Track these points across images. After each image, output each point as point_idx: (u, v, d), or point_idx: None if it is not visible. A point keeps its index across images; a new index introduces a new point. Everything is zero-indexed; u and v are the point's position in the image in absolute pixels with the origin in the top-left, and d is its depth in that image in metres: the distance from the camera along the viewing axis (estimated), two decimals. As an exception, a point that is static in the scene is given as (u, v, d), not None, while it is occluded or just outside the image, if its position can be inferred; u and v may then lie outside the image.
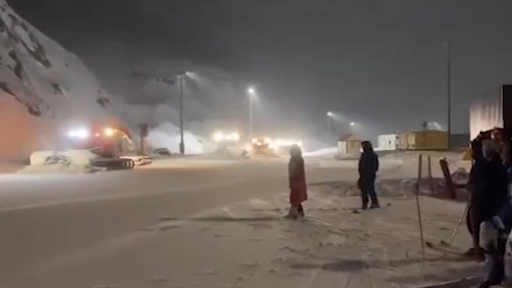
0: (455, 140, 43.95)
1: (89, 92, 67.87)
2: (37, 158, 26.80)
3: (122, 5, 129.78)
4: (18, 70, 43.43)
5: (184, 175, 25.00)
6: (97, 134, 30.59)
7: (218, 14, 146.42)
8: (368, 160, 11.40)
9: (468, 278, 4.96)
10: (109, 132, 32.05)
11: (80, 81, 66.64)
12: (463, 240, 6.42)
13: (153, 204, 12.54)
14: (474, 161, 6.59)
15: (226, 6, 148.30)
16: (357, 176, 11.58)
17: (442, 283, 4.88)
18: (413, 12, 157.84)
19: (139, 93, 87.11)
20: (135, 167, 30.69)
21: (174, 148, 54.96)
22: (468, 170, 7.69)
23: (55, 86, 51.01)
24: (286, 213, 9.97)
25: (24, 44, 57.53)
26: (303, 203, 9.98)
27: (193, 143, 64.01)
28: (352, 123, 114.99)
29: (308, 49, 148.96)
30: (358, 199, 11.47)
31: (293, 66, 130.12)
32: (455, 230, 6.87)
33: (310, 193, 13.26)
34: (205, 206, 11.13)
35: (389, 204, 11.43)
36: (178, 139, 59.21)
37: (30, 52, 58.21)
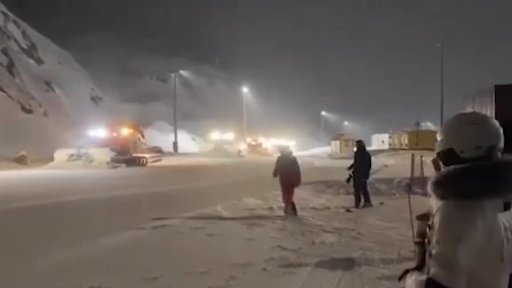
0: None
1: (82, 90, 67.46)
2: (60, 155, 28.84)
3: (115, 3, 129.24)
4: (10, 67, 43.03)
5: (189, 172, 26.34)
6: (115, 134, 33.06)
7: (212, 13, 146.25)
8: (361, 159, 11.44)
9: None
10: (125, 131, 34.15)
11: (73, 79, 66.18)
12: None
13: (161, 200, 12.49)
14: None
15: (219, 5, 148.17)
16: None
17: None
18: (408, 12, 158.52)
19: (132, 91, 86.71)
20: (148, 164, 32.59)
21: (167, 147, 54.79)
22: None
23: (48, 84, 50.59)
24: (280, 212, 10.00)
25: (16, 41, 57.03)
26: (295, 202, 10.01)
27: (187, 142, 63.78)
28: (345, 123, 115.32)
29: (302, 49, 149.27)
30: (351, 198, 11.51)
31: (287, 65, 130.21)
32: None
33: (303, 192, 13.33)
34: (200, 205, 11.12)
35: (381, 203, 11.47)
36: (171, 138, 59.04)
37: (23, 49, 57.74)
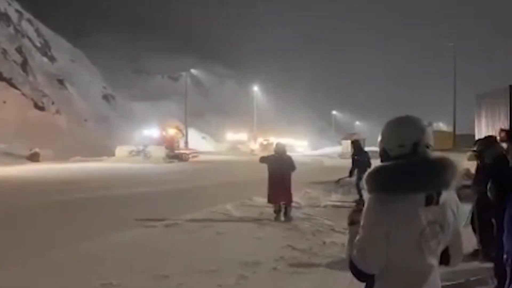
0: (460, 140, 43.68)
1: (94, 88, 67.82)
2: (121, 151, 34.03)
3: (127, 2, 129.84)
4: (24, 65, 43.39)
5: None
6: (164, 133, 38.25)
7: (222, 11, 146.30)
8: (360, 160, 11.59)
9: (472, 279, 4.93)
10: (172, 131, 39.48)
11: (85, 77, 66.61)
12: (467, 240, 6.37)
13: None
14: (479, 162, 6.53)
15: (230, 2, 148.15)
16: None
17: (446, 283, 4.85)
18: (419, 12, 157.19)
19: (143, 89, 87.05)
20: (189, 160, 37.14)
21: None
22: (473, 171, 7.64)
23: (60, 81, 50.91)
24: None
25: (30, 39, 57.57)
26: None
27: (197, 140, 63.90)
28: (357, 122, 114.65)
29: (313, 47, 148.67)
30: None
31: (297, 63, 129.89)
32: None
33: (313, 191, 13.29)
34: (219, 201, 11.13)
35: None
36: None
37: (36, 47, 58.26)
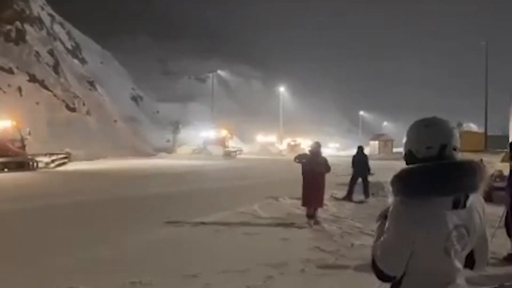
0: (493, 141, 42.60)
1: (122, 89, 69.06)
2: (183, 149, 44.26)
3: (154, 3, 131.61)
4: (56, 67, 44.50)
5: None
6: (218, 134, 46.48)
7: (248, 11, 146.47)
8: (359, 161, 13.49)
9: (506, 284, 4.79)
10: (223, 132, 47.50)
11: (114, 78, 67.91)
12: (501, 244, 6.21)
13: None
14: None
15: (256, 3, 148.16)
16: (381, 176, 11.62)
17: (478, 288, 4.74)
18: (451, 13, 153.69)
19: (170, 91, 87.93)
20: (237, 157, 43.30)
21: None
22: (506, 173, 7.44)
23: (91, 83, 52.04)
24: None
25: (62, 42, 59.06)
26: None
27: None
28: (385, 123, 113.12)
29: (341, 49, 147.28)
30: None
31: (324, 64, 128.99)
32: (492, 233, 6.66)
33: (340, 193, 13.17)
34: (242, 202, 11.19)
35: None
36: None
37: (68, 50, 59.72)
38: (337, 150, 65.84)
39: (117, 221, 9.22)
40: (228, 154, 42.01)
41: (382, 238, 1.80)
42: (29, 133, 25.49)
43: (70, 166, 25.46)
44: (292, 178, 11.35)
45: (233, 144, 50.66)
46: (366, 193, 12.82)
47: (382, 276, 1.81)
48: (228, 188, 15.78)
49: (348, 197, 12.56)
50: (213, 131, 47.22)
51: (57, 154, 26.40)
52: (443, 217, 1.72)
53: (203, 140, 45.66)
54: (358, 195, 12.75)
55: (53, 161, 25.22)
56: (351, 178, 13.11)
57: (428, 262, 1.75)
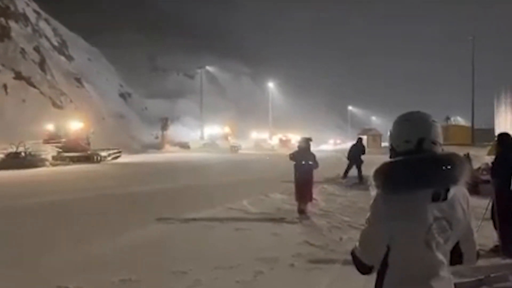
0: (479, 135, 43.09)
1: (110, 86, 68.53)
2: (194, 144, 50.46)
3: (142, 0, 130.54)
4: (42, 64, 43.99)
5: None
6: (222, 130, 54.34)
7: (238, 8, 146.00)
8: (355, 150, 16.02)
9: (492, 275, 4.87)
10: (226, 129, 55.05)
11: (102, 75, 67.37)
12: (487, 236, 6.29)
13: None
14: (497, 154, 6.44)
15: (246, 1, 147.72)
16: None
17: (466, 279, 4.80)
18: (439, 8, 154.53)
19: (159, 87, 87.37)
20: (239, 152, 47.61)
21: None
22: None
23: (78, 80, 51.54)
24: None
25: (48, 39, 58.31)
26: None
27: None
28: (373, 117, 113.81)
29: (329, 44, 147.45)
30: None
31: (313, 60, 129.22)
32: (478, 225, 6.75)
33: (331, 187, 13.24)
34: (231, 199, 11.19)
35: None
36: (199, 133, 60.15)
37: (54, 46, 58.98)
38: (334, 145, 68.16)
39: (105, 219, 9.17)
40: (233, 149, 47.45)
41: (363, 228, 1.88)
42: (93, 133, 31.41)
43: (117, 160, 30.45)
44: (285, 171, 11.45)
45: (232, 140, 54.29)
46: (360, 177, 14.99)
47: (360, 266, 1.88)
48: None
49: (345, 175, 15.70)
50: (218, 128, 55.38)
51: (113, 149, 31.56)
52: (422, 210, 1.75)
53: (209, 136, 54.85)
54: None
55: (109, 155, 30.23)
56: (348, 164, 15.87)
57: (410, 254, 1.78)
